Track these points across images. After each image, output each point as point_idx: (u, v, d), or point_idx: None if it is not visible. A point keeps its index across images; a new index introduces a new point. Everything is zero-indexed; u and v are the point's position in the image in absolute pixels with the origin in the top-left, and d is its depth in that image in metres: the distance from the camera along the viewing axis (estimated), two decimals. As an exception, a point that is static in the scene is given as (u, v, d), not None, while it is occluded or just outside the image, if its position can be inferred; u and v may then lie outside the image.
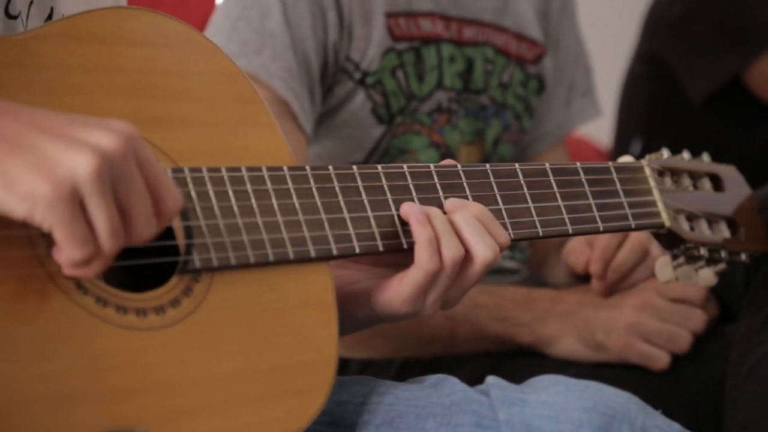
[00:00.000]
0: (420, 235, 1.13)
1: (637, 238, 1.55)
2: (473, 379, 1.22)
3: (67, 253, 0.94)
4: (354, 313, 1.15)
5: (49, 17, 1.19)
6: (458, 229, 1.14)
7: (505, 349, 1.59)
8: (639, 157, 1.40)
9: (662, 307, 1.54)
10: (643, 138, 2.22)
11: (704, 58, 2.14)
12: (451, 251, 1.13)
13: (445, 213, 1.16)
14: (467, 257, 1.14)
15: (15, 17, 1.15)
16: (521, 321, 1.57)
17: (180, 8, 2.00)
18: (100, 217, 0.93)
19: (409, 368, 1.61)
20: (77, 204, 0.92)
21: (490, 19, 1.73)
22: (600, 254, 1.54)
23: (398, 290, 1.14)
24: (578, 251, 1.58)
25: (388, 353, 1.61)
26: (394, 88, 1.65)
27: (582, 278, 1.63)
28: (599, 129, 2.29)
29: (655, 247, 1.56)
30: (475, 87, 1.72)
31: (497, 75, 1.75)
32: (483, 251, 1.14)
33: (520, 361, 1.57)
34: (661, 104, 2.22)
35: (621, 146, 2.26)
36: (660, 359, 1.52)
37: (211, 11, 1.68)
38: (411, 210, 1.14)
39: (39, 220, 0.92)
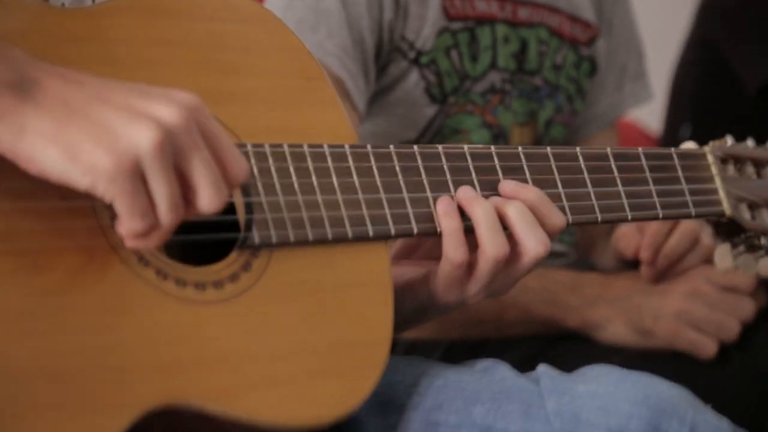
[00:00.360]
0: (446, 226, 1.13)
1: (687, 225, 1.55)
2: (520, 362, 1.23)
3: (127, 225, 0.95)
4: (403, 302, 1.15)
5: None
6: (510, 223, 1.14)
7: (552, 333, 1.59)
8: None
9: (711, 295, 1.53)
10: (692, 124, 2.21)
11: (760, 47, 2.12)
12: (494, 249, 1.13)
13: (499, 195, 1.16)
14: (517, 251, 1.14)
15: None
16: (570, 305, 1.57)
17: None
18: (160, 191, 0.94)
19: (455, 350, 1.61)
20: (138, 177, 0.94)
21: (545, 0, 1.73)
22: (650, 240, 1.54)
23: (434, 281, 1.15)
24: (629, 237, 1.58)
25: (435, 334, 1.61)
26: (448, 68, 1.65)
27: (631, 264, 1.62)
28: (648, 114, 2.28)
29: (706, 235, 1.56)
30: (529, 68, 1.72)
31: (551, 56, 1.74)
32: (534, 246, 1.14)
33: (567, 345, 1.58)
34: (712, 91, 2.20)
35: (671, 132, 2.25)
36: (708, 347, 1.52)
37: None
38: (440, 203, 1.14)
39: (101, 193, 0.94)
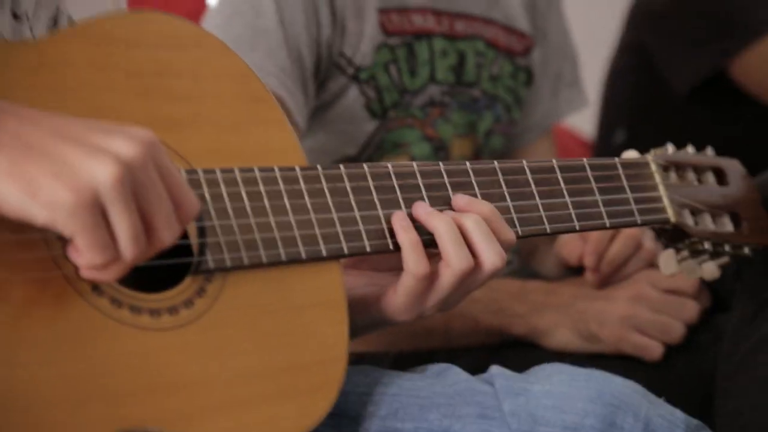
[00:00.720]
0: (405, 240, 1.14)
1: (629, 231, 1.57)
2: (469, 371, 1.24)
3: (87, 258, 0.95)
4: (353, 318, 1.15)
5: (54, 19, 1.20)
6: (468, 235, 1.15)
7: (499, 342, 1.60)
8: (621, 148, 1.42)
9: (655, 299, 1.55)
10: (626, 129, 2.24)
11: (688, 50, 2.15)
12: (461, 263, 1.14)
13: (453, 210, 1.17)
14: (475, 264, 1.15)
15: (19, 18, 1.15)
16: (516, 313, 1.59)
17: (169, 7, 2.00)
18: (122, 225, 0.94)
19: (403, 361, 1.62)
20: (98, 212, 0.94)
21: (480, 12, 1.75)
22: (593, 247, 1.56)
23: (394, 299, 1.16)
24: (571, 244, 1.59)
25: (382, 347, 1.62)
26: (387, 83, 1.66)
27: (575, 270, 1.64)
28: (582, 120, 2.30)
29: (648, 239, 1.58)
30: (467, 80, 1.74)
31: (488, 67, 1.76)
32: (492, 259, 1.15)
33: (515, 352, 1.59)
34: (645, 96, 2.23)
35: (604, 137, 2.28)
36: (654, 350, 1.54)
37: (201, 10, 1.69)
38: (395, 218, 1.15)
39: (60, 228, 0.94)
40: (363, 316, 1.17)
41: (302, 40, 1.59)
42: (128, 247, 0.95)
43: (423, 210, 1.16)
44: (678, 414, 1.16)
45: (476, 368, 1.26)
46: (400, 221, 1.15)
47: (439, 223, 1.15)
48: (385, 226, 1.15)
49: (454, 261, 1.14)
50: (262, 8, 1.59)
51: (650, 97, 2.23)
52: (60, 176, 0.92)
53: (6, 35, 1.13)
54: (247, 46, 1.59)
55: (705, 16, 2.16)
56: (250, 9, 1.60)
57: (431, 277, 1.15)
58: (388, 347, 1.63)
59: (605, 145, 2.25)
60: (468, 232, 1.15)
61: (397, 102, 1.67)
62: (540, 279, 1.72)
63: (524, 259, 1.84)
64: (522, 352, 1.58)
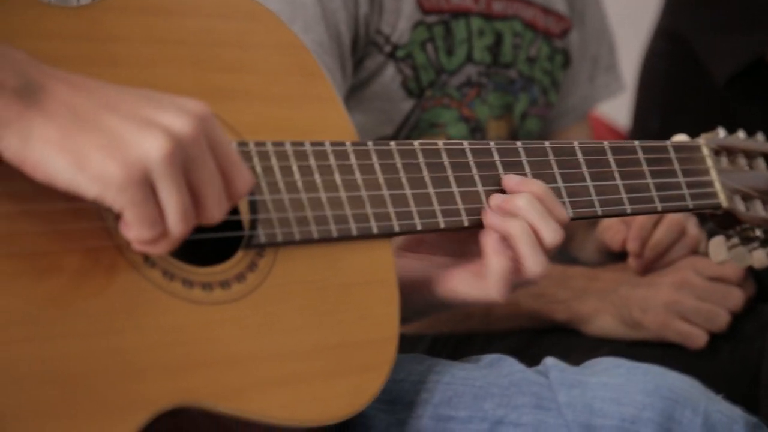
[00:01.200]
0: (496, 265, 1.13)
1: (674, 216, 1.56)
2: (509, 355, 1.22)
3: (135, 233, 0.94)
4: (407, 302, 1.14)
5: None
6: (523, 215, 1.14)
7: (540, 326, 1.59)
8: (656, 135, 1.40)
9: (700, 286, 1.54)
10: (661, 116, 2.22)
11: (727, 38, 2.14)
12: (538, 268, 1.13)
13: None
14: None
15: None
16: (558, 298, 1.58)
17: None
18: (171, 201, 0.93)
19: (441, 344, 1.61)
20: (148, 187, 0.92)
21: (519, -7, 1.73)
22: (637, 232, 1.55)
23: (457, 289, 1.15)
24: (614, 229, 1.58)
25: (421, 328, 1.61)
26: (423, 62, 1.65)
27: (615, 256, 1.63)
28: (614, 108, 2.29)
29: (692, 225, 1.57)
30: (504, 61, 1.72)
31: (525, 49, 1.75)
32: (550, 237, 1.14)
33: (554, 338, 1.58)
34: (681, 83, 2.21)
35: (639, 124, 2.26)
36: (697, 338, 1.53)
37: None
38: (489, 237, 1.13)
39: (110, 202, 0.93)
40: (418, 299, 1.16)
41: (340, 17, 1.58)
42: (176, 223, 0.94)
43: (494, 220, 1.14)
44: (737, 411, 1.14)
45: (515, 353, 1.26)
46: (494, 244, 1.13)
47: (513, 228, 1.13)
48: (436, 204, 1.14)
49: (531, 266, 1.13)
50: (299, -18, 1.58)
51: (686, 84, 2.22)
52: (110, 150, 0.91)
53: None
54: (284, 20, 1.57)
55: (745, 3, 2.14)
56: (288, -17, 1.58)
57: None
58: (425, 330, 1.62)
59: (640, 132, 2.23)
60: (522, 211, 1.14)
61: (434, 81, 1.66)
62: (579, 264, 1.70)
63: (563, 245, 1.83)
64: (562, 338, 1.58)
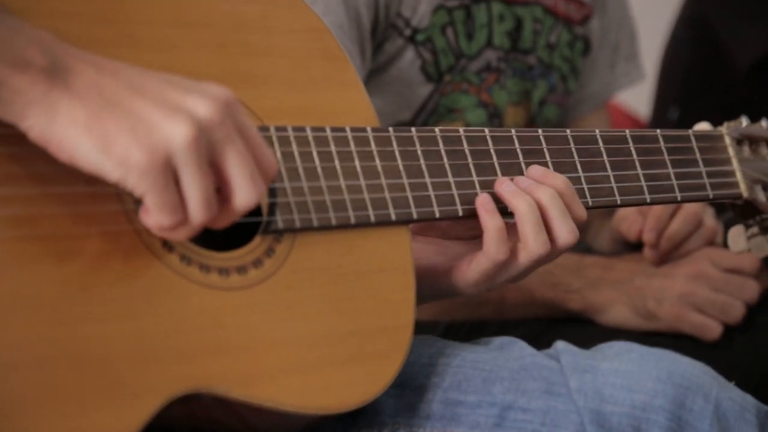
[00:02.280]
0: (487, 224, 1.14)
1: (690, 207, 1.57)
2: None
3: (155, 219, 0.96)
4: (419, 287, 1.16)
5: None
6: (543, 211, 1.15)
7: (554, 315, 1.61)
8: (676, 123, 1.41)
9: (716, 277, 1.56)
10: (682, 104, 2.23)
11: (751, 25, 2.14)
12: (539, 248, 1.14)
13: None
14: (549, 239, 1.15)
15: None
16: (572, 288, 1.59)
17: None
18: (193, 188, 0.94)
19: (455, 330, 1.63)
20: (170, 173, 0.94)
21: (540, -21, 1.74)
22: (654, 223, 1.56)
23: (465, 274, 1.16)
24: (631, 219, 1.60)
25: (435, 315, 1.62)
26: (443, 46, 1.66)
27: (631, 246, 1.64)
28: (634, 97, 2.29)
29: (709, 217, 1.58)
30: (524, 47, 1.73)
31: (545, 35, 1.76)
32: (565, 237, 1.15)
33: (568, 327, 1.59)
34: (703, 70, 2.22)
35: (660, 112, 2.27)
36: (712, 330, 1.55)
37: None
38: (480, 200, 1.15)
39: (131, 186, 0.94)
40: (430, 285, 1.17)
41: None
42: (197, 211, 0.95)
43: (507, 188, 1.16)
44: (749, 399, 1.16)
45: (528, 341, 1.27)
46: (484, 204, 1.14)
47: (521, 203, 1.14)
48: (455, 192, 1.15)
49: (532, 246, 1.14)
50: (320, -35, 1.59)
51: (708, 72, 2.23)
52: (135, 134, 0.92)
53: None
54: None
55: (769, -10, 2.15)
56: (308, -34, 1.59)
57: (507, 259, 1.15)
58: (439, 316, 1.63)
59: (660, 120, 2.24)
60: (543, 207, 1.15)
61: (453, 66, 1.67)
62: (594, 253, 1.72)
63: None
64: (576, 327, 1.59)
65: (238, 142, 0.96)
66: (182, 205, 0.95)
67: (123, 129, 0.93)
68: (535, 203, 1.14)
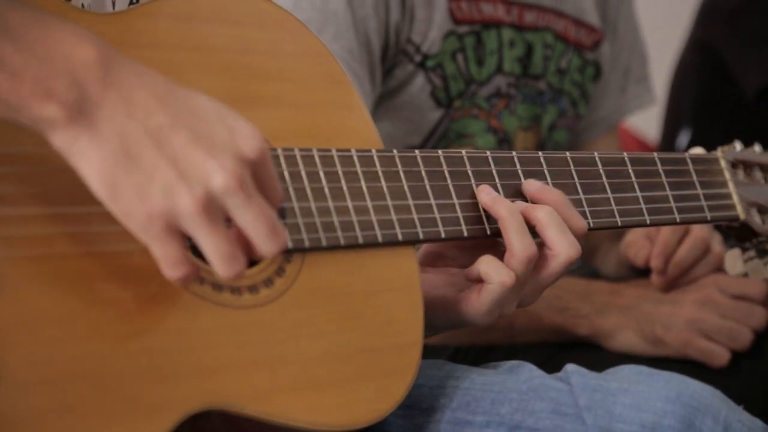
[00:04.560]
0: (506, 218, 1.18)
1: (698, 233, 1.61)
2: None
3: (162, 269, 1.00)
4: (430, 318, 1.19)
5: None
6: (540, 227, 1.19)
7: (562, 340, 1.65)
8: (686, 147, 1.46)
9: (723, 304, 1.60)
10: (691, 129, 2.27)
11: (759, 51, 2.18)
12: (525, 250, 1.17)
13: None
14: (547, 255, 1.19)
15: None
16: (581, 313, 1.63)
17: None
18: (209, 247, 0.99)
19: (462, 354, 1.67)
20: (171, 231, 0.98)
21: (551, 5, 1.79)
22: (661, 249, 1.60)
23: (476, 304, 1.19)
24: (638, 245, 1.64)
25: (443, 339, 1.67)
26: (453, 72, 1.70)
27: (639, 271, 1.69)
28: (643, 121, 2.34)
29: (716, 243, 1.62)
30: (534, 72, 1.78)
31: (555, 60, 1.80)
32: (566, 250, 1.19)
33: (576, 352, 1.63)
34: (712, 95, 2.26)
35: (669, 136, 2.31)
36: (720, 356, 1.59)
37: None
38: (482, 190, 1.19)
39: (135, 236, 0.99)
40: (442, 316, 1.21)
41: (371, 24, 1.64)
42: (221, 267, 0.99)
43: (489, 196, 1.20)
44: (758, 422, 1.19)
45: (536, 365, 1.31)
46: (489, 198, 1.19)
47: (502, 209, 1.18)
48: (459, 213, 1.20)
49: (517, 249, 1.17)
50: (331, -10, 1.64)
51: (717, 97, 2.27)
52: (141, 192, 0.97)
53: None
54: (315, 28, 1.63)
55: (778, 16, 2.19)
56: (319, -9, 1.64)
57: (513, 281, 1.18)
58: (447, 340, 1.67)
59: (670, 145, 2.29)
60: (539, 222, 1.19)
61: (463, 91, 1.71)
62: (602, 278, 1.76)
63: (585, 257, 1.89)
64: (584, 352, 1.63)
65: (255, 200, 0.99)
66: (186, 260, 0.99)
67: (132, 185, 0.97)
68: (516, 209, 1.18)
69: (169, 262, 0.99)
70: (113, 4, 1.21)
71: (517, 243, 1.18)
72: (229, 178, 0.98)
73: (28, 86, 0.95)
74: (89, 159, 0.97)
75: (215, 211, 0.98)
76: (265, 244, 1.00)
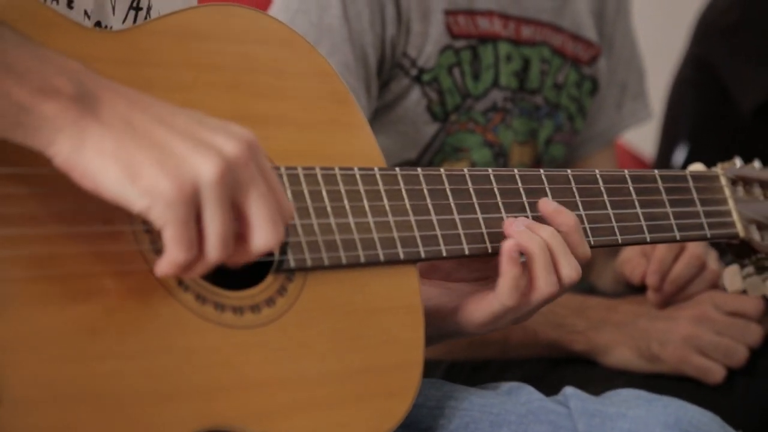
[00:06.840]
0: (507, 272, 1.19)
1: (694, 250, 1.62)
2: (524, 383, 1.29)
3: (171, 254, 1.00)
4: (426, 328, 1.20)
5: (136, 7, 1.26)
6: (552, 253, 1.20)
7: (557, 356, 1.66)
8: (683, 164, 1.48)
9: (719, 320, 1.61)
10: (688, 145, 2.28)
11: (756, 68, 2.20)
12: (549, 288, 1.20)
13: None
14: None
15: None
16: (576, 328, 1.65)
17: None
18: (213, 225, 0.99)
19: (457, 369, 1.68)
20: (194, 207, 0.98)
21: (548, 19, 1.81)
22: (657, 266, 1.62)
23: (473, 315, 1.21)
24: (634, 262, 1.65)
25: (438, 354, 1.68)
26: (450, 86, 1.72)
27: (634, 288, 1.70)
28: (639, 137, 2.35)
29: (712, 260, 1.64)
30: (530, 87, 1.80)
31: (552, 75, 1.82)
32: (569, 275, 1.21)
33: (571, 368, 1.65)
34: (709, 111, 2.27)
35: (665, 153, 2.32)
36: (715, 373, 1.60)
37: (265, 6, 1.75)
38: (507, 247, 1.19)
39: (155, 217, 0.98)
40: (437, 326, 1.22)
41: (367, 38, 1.65)
42: (214, 249, 1.00)
43: (517, 228, 1.21)
44: None
45: (532, 381, 1.32)
46: (510, 252, 1.19)
47: (533, 245, 1.20)
48: (461, 231, 1.22)
49: (542, 286, 1.19)
50: (327, 4, 1.65)
51: (714, 113, 2.28)
52: (163, 165, 0.97)
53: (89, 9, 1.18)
54: (310, 42, 1.64)
55: (774, 34, 2.21)
56: (315, 6, 1.65)
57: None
58: (442, 355, 1.69)
59: (666, 161, 2.30)
60: (551, 247, 1.21)
61: (459, 105, 1.73)
62: (597, 293, 1.78)
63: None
64: (578, 368, 1.64)
65: (261, 185, 1.01)
66: (198, 243, 1.00)
67: (151, 160, 0.97)
68: (545, 244, 1.20)
69: (185, 243, 0.99)
70: (113, 8, 1.22)
71: (544, 280, 1.20)
72: (242, 147, 0.99)
73: (36, 84, 0.96)
74: (101, 148, 0.97)
75: (229, 185, 0.98)
76: (263, 230, 1.01)
